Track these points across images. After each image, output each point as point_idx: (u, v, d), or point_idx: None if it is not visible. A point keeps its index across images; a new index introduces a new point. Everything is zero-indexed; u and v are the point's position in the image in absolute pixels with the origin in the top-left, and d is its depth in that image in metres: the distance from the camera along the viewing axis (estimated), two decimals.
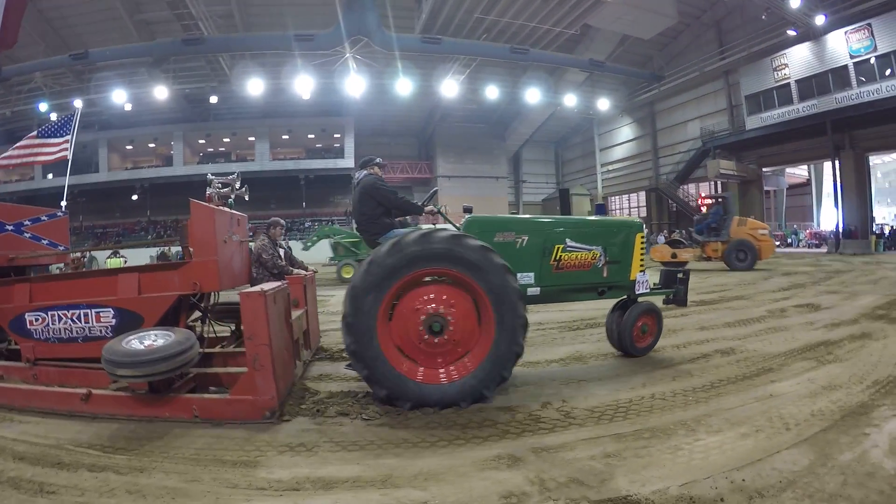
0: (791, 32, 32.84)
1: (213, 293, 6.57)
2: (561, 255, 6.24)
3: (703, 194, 42.77)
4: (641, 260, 6.92)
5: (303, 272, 8.24)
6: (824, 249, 34.56)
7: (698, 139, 41.04)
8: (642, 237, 6.95)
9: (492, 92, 39.68)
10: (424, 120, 49.57)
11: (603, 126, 53.17)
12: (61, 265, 8.52)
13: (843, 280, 16.55)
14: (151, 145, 46.47)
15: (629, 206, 52.40)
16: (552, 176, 60.84)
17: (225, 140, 46.83)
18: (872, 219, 35.88)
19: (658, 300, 7.39)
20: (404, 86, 36.45)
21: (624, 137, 51.68)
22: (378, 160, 6.70)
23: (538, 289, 5.96)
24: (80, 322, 5.80)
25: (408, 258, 5.15)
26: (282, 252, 8.28)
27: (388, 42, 30.83)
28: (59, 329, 5.84)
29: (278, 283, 5.92)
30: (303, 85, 35.53)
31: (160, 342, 4.98)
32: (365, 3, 28.97)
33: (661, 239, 21.62)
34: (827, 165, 35.94)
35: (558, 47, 36.20)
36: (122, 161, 46.83)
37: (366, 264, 5.21)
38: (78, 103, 32.15)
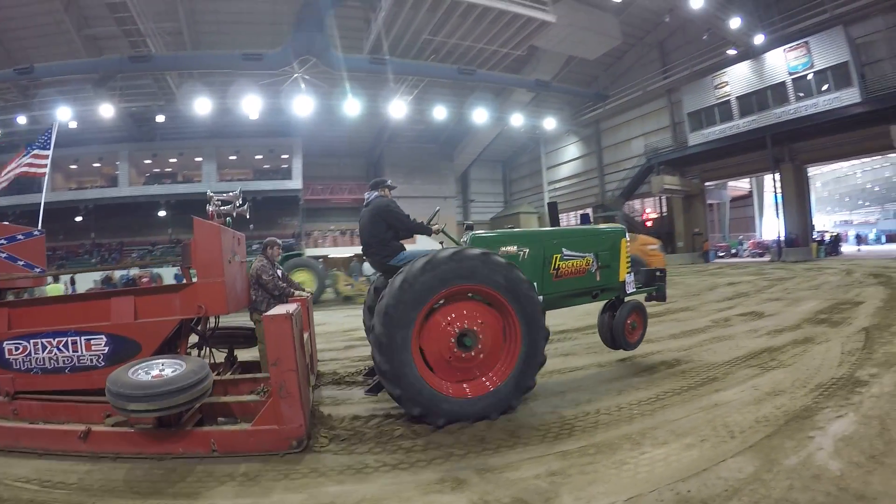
0: (731, 52, 34.09)
1: (208, 318, 6.14)
2: (559, 264, 6.58)
3: (647, 210, 43.72)
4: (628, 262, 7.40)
5: (303, 293, 7.89)
6: (767, 258, 35.51)
7: (643, 156, 41.80)
8: (626, 242, 7.40)
9: (439, 112, 39.80)
10: (373, 140, 49.30)
11: (549, 145, 54.04)
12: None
13: (786, 287, 16.97)
14: (96, 165, 44.86)
15: (577, 224, 52.33)
16: (500, 195, 61.20)
17: (171, 160, 45.60)
18: (813, 227, 37.13)
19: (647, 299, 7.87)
20: (352, 106, 36.25)
21: (570, 155, 52.40)
22: (388, 182, 6.76)
23: (541, 297, 6.02)
24: (68, 351, 5.32)
25: (441, 276, 5.27)
26: (279, 273, 7.75)
27: (337, 62, 30.71)
28: (43, 359, 5.34)
29: (294, 306, 5.51)
30: (251, 105, 35.01)
31: (171, 372, 4.66)
32: (314, 23, 28.84)
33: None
34: (768, 178, 37.05)
35: (505, 68, 36.56)
36: (65, 181, 45.00)
37: (398, 284, 5.21)
38: (64, 114, 31.57)
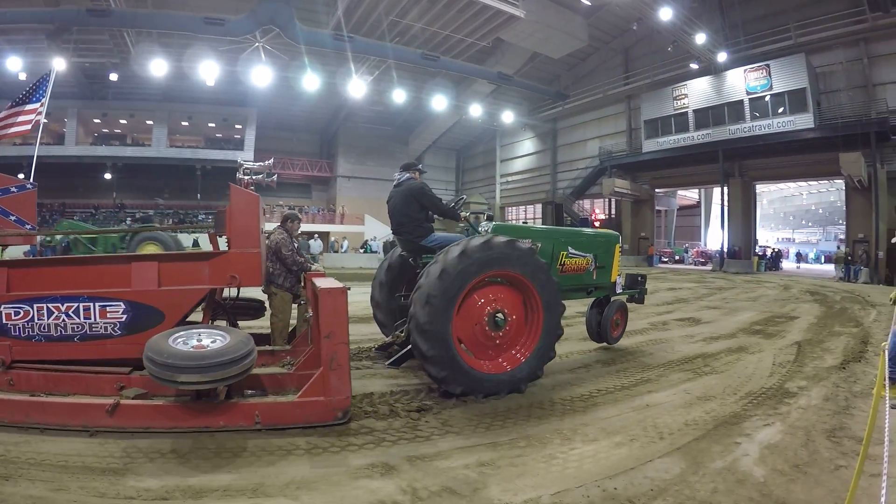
0: (694, 66, 34.69)
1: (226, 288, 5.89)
2: (565, 261, 7.19)
3: (596, 211, 44.26)
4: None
5: (319, 268, 7.68)
6: (710, 267, 36.44)
7: (596, 157, 42.27)
8: (619, 247, 8.25)
9: (399, 96, 39.29)
10: (329, 118, 48.66)
11: (505, 138, 54.30)
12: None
13: (725, 297, 17.38)
14: (44, 120, 43.19)
15: (526, 218, 53.32)
16: (452, 183, 61.08)
17: (122, 122, 44.04)
18: (756, 241, 38.34)
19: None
20: (311, 81, 35.57)
21: (525, 150, 52.77)
22: (420, 165, 7.05)
23: None
24: (78, 317, 4.87)
25: (476, 263, 5.63)
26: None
27: (300, 35, 30.00)
28: (48, 325, 4.86)
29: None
30: (208, 70, 33.81)
31: (212, 342, 4.53)
32: None
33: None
34: (717, 190, 37.84)
35: (469, 57, 36.36)
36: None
37: (437, 273, 5.49)
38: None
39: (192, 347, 4.43)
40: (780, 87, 30.49)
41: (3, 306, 4.87)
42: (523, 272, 5.92)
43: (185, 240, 27.84)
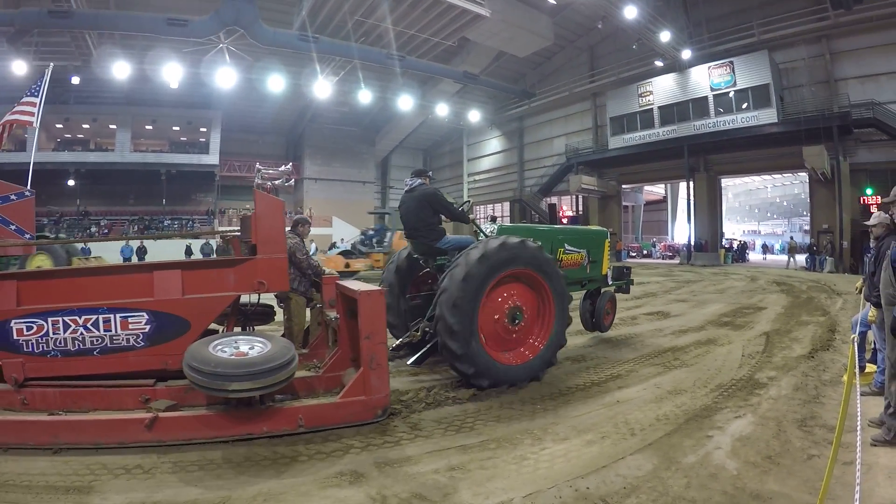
0: (658, 63, 35.08)
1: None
2: (562, 256, 7.71)
3: (563, 208, 44.47)
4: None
5: (334, 273, 7.53)
6: (677, 261, 36.84)
7: (563, 155, 42.56)
8: (608, 242, 8.93)
9: (365, 96, 39.14)
10: (295, 119, 48.24)
11: (472, 137, 54.36)
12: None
13: (693, 289, 17.53)
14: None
15: (493, 216, 53.04)
16: None
17: (84, 126, 43.01)
18: (722, 234, 38.93)
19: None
20: (276, 83, 35.30)
21: (492, 149, 52.90)
22: (430, 172, 7.38)
23: None
24: (98, 330, 4.65)
25: (495, 264, 6.02)
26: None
27: (264, 36, 29.66)
28: (64, 339, 4.61)
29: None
30: (171, 73, 33.29)
31: (249, 349, 4.52)
32: None
33: (334, 250, 22.15)
34: (682, 185, 38.35)
35: (435, 57, 36.24)
36: None
37: (461, 275, 5.80)
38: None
39: (233, 354, 4.42)
40: (743, 83, 31.09)
41: (13, 321, 4.61)
42: (535, 268, 6.39)
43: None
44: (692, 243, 35.09)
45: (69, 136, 44.19)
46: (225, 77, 34.36)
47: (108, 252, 28.36)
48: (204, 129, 44.02)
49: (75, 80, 34.69)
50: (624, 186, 42.35)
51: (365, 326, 4.85)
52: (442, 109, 44.60)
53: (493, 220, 9.54)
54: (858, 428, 3.22)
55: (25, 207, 6.04)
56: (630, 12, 30.09)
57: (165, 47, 32.12)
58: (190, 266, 5.19)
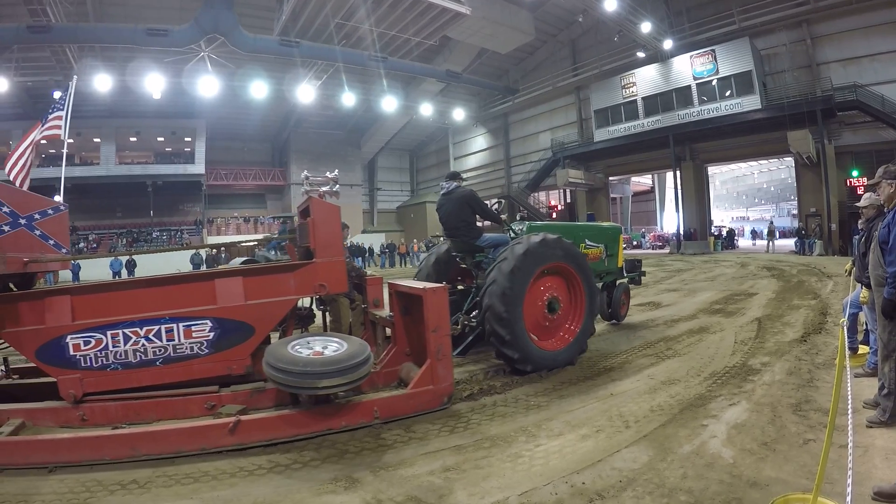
0: (640, 54, 35.13)
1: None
2: (584, 251, 8.23)
3: (552, 202, 44.52)
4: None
5: (376, 274, 7.85)
6: (667, 250, 36.94)
7: (549, 149, 42.51)
8: (622, 237, 9.63)
9: (349, 99, 39.12)
10: (279, 125, 48.08)
11: (458, 135, 54.19)
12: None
13: (684, 278, 17.56)
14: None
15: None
16: (407, 184, 60.90)
17: (68, 141, 42.84)
18: (711, 222, 39.15)
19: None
20: (259, 89, 35.23)
21: (478, 147, 52.77)
22: (461, 174, 7.96)
23: None
24: (160, 340, 4.73)
25: (537, 258, 6.56)
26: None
27: (246, 42, 29.54)
28: (125, 352, 4.66)
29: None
30: (153, 83, 33.07)
31: (323, 348, 4.72)
32: (223, 0, 27.68)
33: (238, 260, 20.38)
34: (669, 175, 38.40)
35: (417, 57, 36.17)
36: None
37: (509, 269, 6.28)
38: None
39: (311, 354, 4.57)
40: (726, 70, 31.22)
41: (69, 337, 4.61)
42: (570, 262, 6.97)
43: None
44: (681, 232, 35.26)
45: (53, 151, 43.81)
46: (207, 85, 34.15)
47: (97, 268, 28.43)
48: (189, 139, 43.74)
49: (57, 94, 34.30)
50: (611, 178, 42.41)
51: (431, 320, 5.22)
52: (426, 109, 44.53)
53: (523, 219, 9.72)
54: (850, 411, 3.20)
55: (61, 222, 5.99)
56: (610, 4, 30.14)
57: (146, 58, 31.98)
58: (251, 272, 5.31)
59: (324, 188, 6.90)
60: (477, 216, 7.44)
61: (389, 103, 41.05)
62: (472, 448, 4.29)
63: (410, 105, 43.68)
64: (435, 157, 58.25)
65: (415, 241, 44.01)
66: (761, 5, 29.96)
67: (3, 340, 5.00)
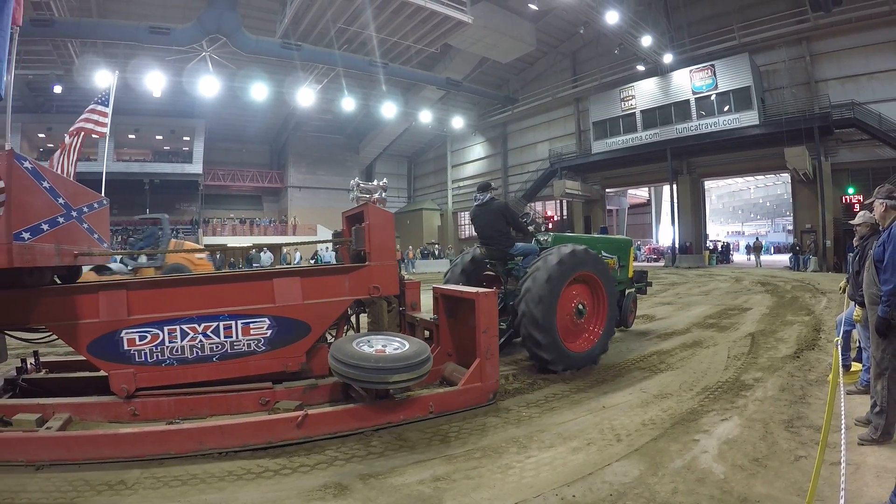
0: (640, 67, 35.29)
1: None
2: None
3: (548, 212, 44.60)
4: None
5: (411, 277, 8.16)
6: (662, 263, 36.99)
7: (547, 160, 42.62)
8: (632, 248, 10.25)
9: (348, 104, 39.21)
10: (278, 128, 48.15)
11: (456, 143, 54.32)
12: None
13: (678, 292, 17.57)
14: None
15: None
16: (404, 190, 60.93)
17: (67, 136, 42.67)
18: (706, 236, 39.14)
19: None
20: (260, 91, 35.29)
21: (476, 155, 52.84)
22: (493, 184, 8.45)
23: None
24: (218, 336, 4.86)
25: (569, 267, 7.03)
26: None
27: (247, 44, 29.56)
28: (182, 347, 4.77)
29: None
30: (154, 81, 33.11)
31: (383, 346, 4.91)
32: (227, 1, 27.70)
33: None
34: (666, 188, 38.47)
35: (418, 64, 36.23)
36: None
37: (544, 277, 6.74)
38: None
39: (375, 351, 4.75)
40: (725, 86, 31.38)
41: (124, 331, 4.68)
42: (595, 271, 7.46)
43: None
44: (677, 245, 35.36)
45: (51, 145, 43.66)
46: (208, 86, 34.18)
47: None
48: (187, 138, 43.75)
49: (58, 88, 34.37)
50: (608, 190, 42.58)
51: (482, 322, 5.46)
52: (425, 116, 44.55)
53: (548, 230, 9.84)
54: (843, 428, 3.20)
55: (103, 216, 6.06)
56: (612, 17, 30.19)
57: (148, 56, 32.03)
58: (308, 273, 5.45)
59: (375, 194, 7.17)
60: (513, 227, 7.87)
61: (389, 109, 41.15)
62: (462, 458, 4.26)
63: (410, 112, 43.75)
64: (433, 164, 58.38)
65: (409, 248, 43.94)
66: (762, 22, 30.20)
67: (50, 333, 4.98)
